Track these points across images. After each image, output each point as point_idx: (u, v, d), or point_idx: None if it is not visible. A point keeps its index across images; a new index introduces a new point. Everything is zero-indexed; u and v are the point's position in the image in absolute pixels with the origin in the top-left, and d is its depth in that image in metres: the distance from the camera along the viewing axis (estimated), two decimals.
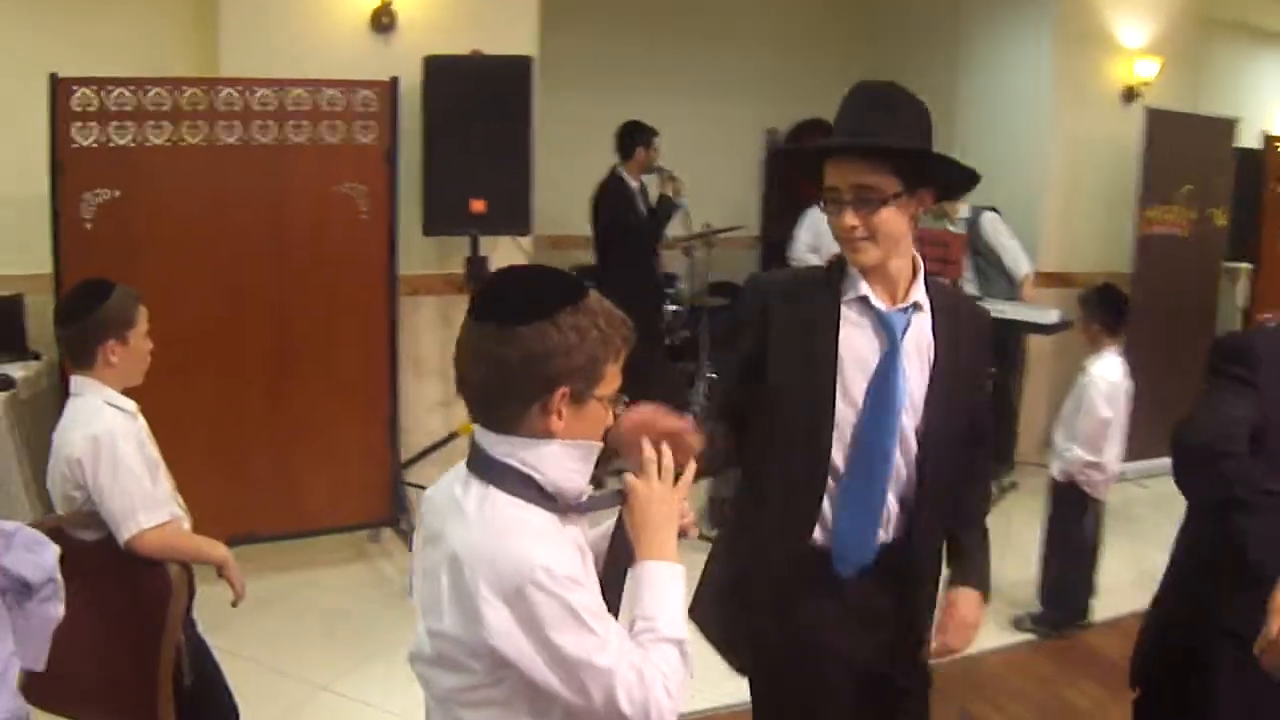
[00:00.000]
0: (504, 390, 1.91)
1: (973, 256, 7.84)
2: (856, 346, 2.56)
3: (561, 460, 1.95)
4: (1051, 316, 7.16)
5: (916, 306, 2.58)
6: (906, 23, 10.12)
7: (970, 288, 7.88)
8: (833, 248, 7.96)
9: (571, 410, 1.93)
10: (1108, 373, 5.27)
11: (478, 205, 5.88)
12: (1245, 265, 8.99)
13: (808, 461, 2.60)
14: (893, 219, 2.48)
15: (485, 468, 1.95)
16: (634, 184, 7.55)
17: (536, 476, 1.93)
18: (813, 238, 8.80)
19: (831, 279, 2.62)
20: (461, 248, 6.27)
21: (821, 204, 2.56)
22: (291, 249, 5.65)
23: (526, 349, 1.86)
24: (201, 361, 5.50)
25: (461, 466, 2.02)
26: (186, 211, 5.49)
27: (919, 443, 2.62)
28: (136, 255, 5.35)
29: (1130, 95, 8.62)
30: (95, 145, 5.31)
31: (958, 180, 2.67)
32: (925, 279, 2.63)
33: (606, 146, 7.61)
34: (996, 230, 7.87)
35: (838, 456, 2.60)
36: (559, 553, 1.86)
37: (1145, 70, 8.55)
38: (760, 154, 10.44)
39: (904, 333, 2.56)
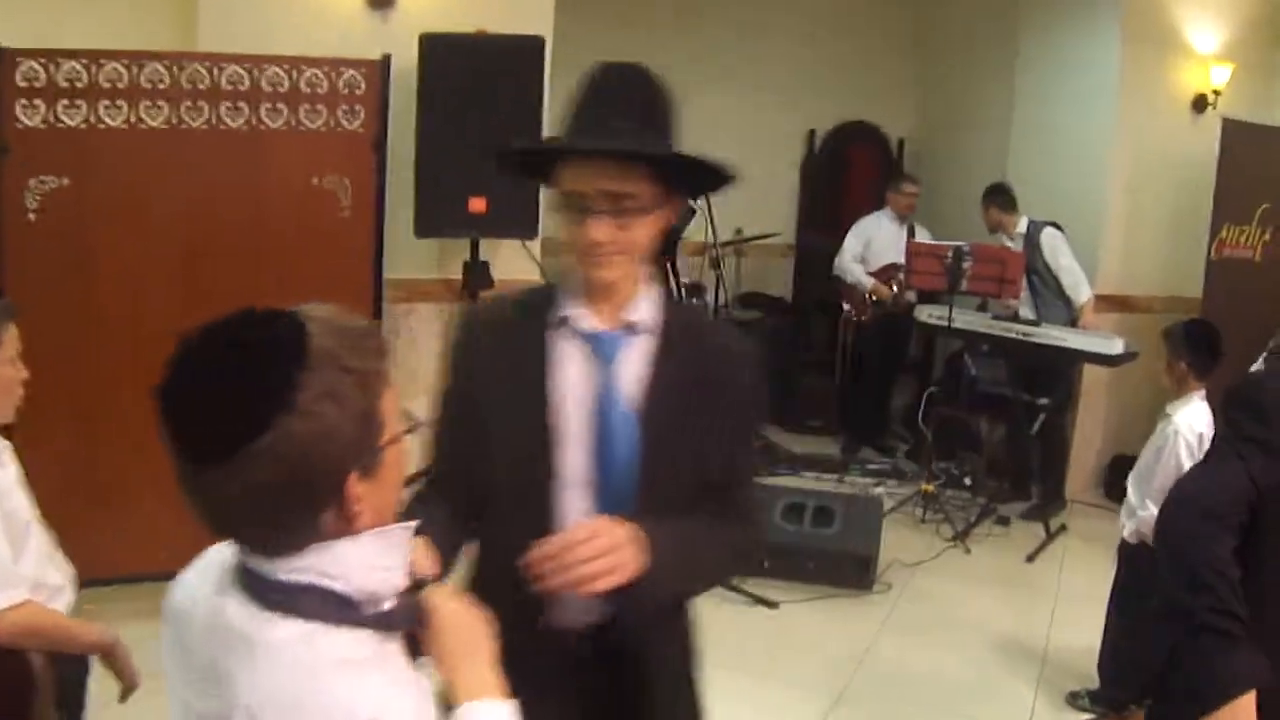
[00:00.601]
0: (276, 523, 1.39)
1: (1028, 276, 7.17)
2: (572, 380, 2.15)
3: (367, 557, 1.46)
4: (1116, 346, 6.48)
5: (633, 327, 2.16)
6: (960, 19, 9.47)
7: (1025, 310, 7.24)
8: (881, 259, 7.18)
9: (368, 487, 1.43)
10: (1194, 421, 4.58)
11: (478, 204, 5.23)
12: None
13: (530, 528, 2.08)
14: (649, 231, 2.11)
15: (268, 593, 1.42)
16: None
17: (340, 588, 1.43)
18: (861, 247, 8.27)
19: (541, 300, 2.21)
20: (463, 249, 5.63)
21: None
22: (263, 249, 5.02)
23: (279, 464, 1.32)
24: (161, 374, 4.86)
25: (219, 570, 1.50)
26: (144, 203, 4.89)
27: (639, 496, 2.15)
28: (87, 252, 4.82)
29: (1201, 104, 7.94)
30: (42, 126, 4.73)
31: (712, 186, 2.31)
32: (666, 297, 2.23)
33: None
34: (1056, 249, 7.24)
35: (572, 517, 2.12)
36: (391, 692, 1.41)
37: (1218, 77, 7.86)
38: (799, 158, 9.79)
39: (617, 358, 2.16)
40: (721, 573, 2.32)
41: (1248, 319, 7.33)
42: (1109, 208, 7.78)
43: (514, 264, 5.80)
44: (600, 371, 2.13)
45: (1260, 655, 2.33)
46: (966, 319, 7.07)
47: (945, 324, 6.93)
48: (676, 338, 2.19)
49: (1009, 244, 7.32)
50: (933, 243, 7.44)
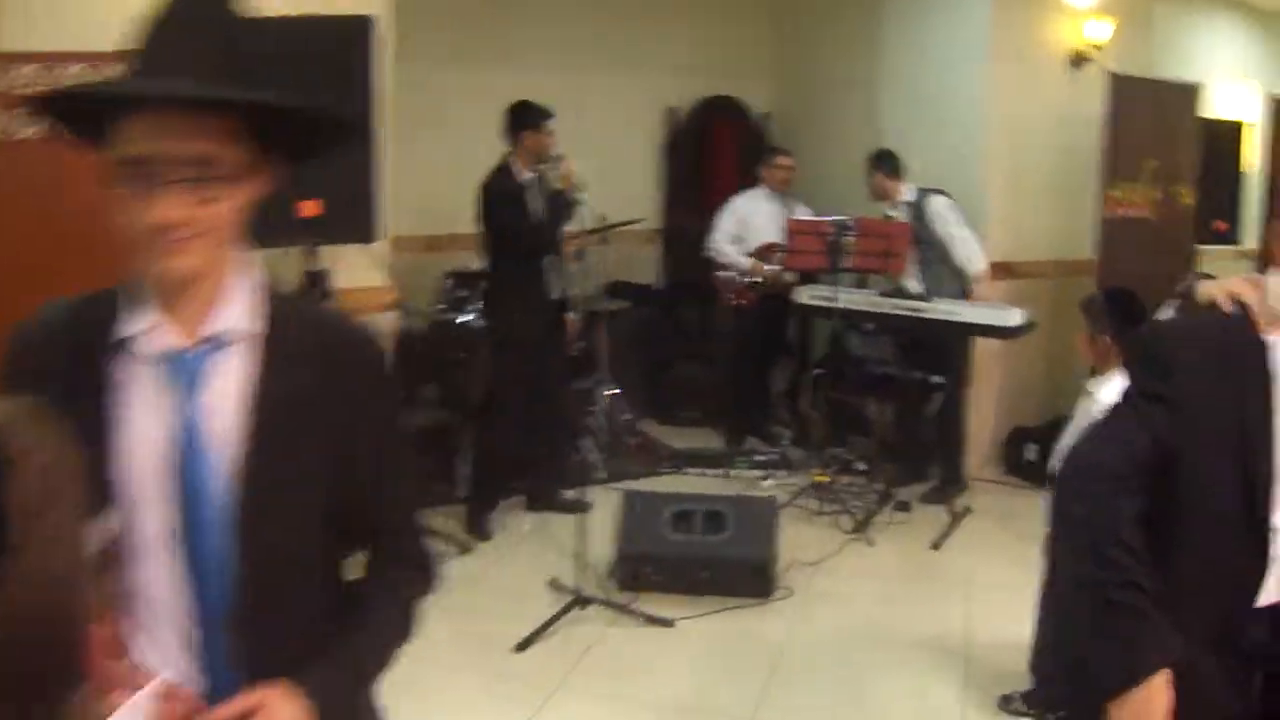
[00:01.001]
0: None
1: (916, 247, 6.79)
2: (143, 419, 1.65)
3: None
4: (1014, 317, 6.14)
5: (220, 340, 1.67)
6: None
7: (913, 284, 6.85)
8: (760, 237, 6.46)
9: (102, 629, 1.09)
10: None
11: (310, 207, 4.62)
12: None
13: (109, 605, 1.65)
14: (237, 205, 1.64)
15: None
16: (527, 176, 6.27)
17: None
18: (736, 227, 7.83)
19: (99, 313, 1.69)
20: (300, 258, 5.02)
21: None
22: (61, 272, 4.36)
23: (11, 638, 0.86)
24: None
25: None
26: None
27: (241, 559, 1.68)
28: None
29: (1079, 60, 7.64)
30: None
31: (321, 145, 1.78)
32: (269, 292, 1.75)
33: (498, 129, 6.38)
34: (946, 218, 6.88)
35: (157, 592, 1.67)
36: None
37: (1097, 32, 7.55)
38: (659, 137, 9.30)
39: (202, 383, 1.67)
40: (403, 645, 1.84)
41: (1144, 278, 7.08)
42: (990, 171, 7.43)
43: (359, 272, 5.27)
44: (180, 404, 1.64)
45: (1171, 629, 2.18)
46: (852, 297, 6.64)
47: (829, 304, 6.51)
48: (285, 345, 1.71)
49: (893, 214, 6.95)
50: (813, 219, 7.02)
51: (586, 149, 7.06)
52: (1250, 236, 8.28)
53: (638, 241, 8.82)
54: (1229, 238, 8.14)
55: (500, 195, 6.14)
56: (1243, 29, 9.62)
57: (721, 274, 7.90)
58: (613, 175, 8.32)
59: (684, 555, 5.51)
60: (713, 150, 9.32)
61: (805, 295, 6.86)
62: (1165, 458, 2.22)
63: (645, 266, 9.19)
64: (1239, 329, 2.26)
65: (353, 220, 4.83)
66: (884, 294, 6.69)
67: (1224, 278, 2.42)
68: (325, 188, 4.59)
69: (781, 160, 7.91)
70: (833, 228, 6.42)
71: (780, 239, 7.49)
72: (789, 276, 7.61)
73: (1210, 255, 7.86)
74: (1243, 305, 2.27)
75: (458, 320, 6.99)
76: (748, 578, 5.51)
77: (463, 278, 7.18)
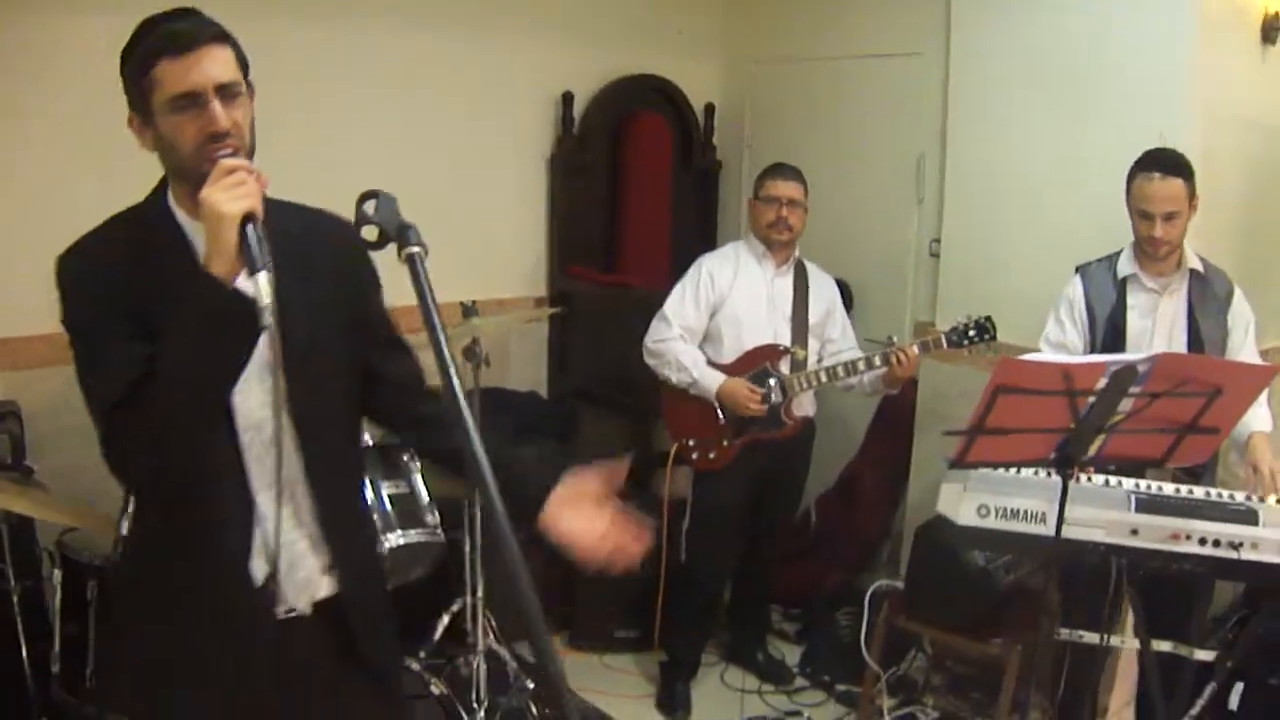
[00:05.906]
0: None
1: None
2: None
3: None
4: None
5: None
6: None
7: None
8: (746, 336, 4.52)
9: None
10: None
11: None
12: None
13: None
14: None
15: None
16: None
17: None
18: (704, 311, 4.59)
19: None
20: None
21: None
22: None
23: None
24: None
25: None
26: None
27: None
28: None
29: (1272, 31, 4.66)
30: None
31: None
32: None
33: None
34: (1244, 318, 3.79)
35: None
36: None
37: None
38: (549, 139, 5.61)
39: None
40: None
41: None
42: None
43: None
44: None
45: None
46: (1109, 518, 3.03)
47: (1040, 531, 3.03)
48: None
49: (1163, 293, 3.70)
50: (1060, 361, 2.95)
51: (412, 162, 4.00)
52: None
53: (511, 320, 5.33)
54: None
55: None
56: None
57: (670, 397, 4.61)
58: (465, 210, 5.11)
59: None
60: (630, 163, 5.73)
61: (967, 507, 3.15)
62: None
63: (524, 363, 5.63)
64: None
65: None
66: (1160, 485, 3.20)
67: None
68: None
69: (779, 188, 4.51)
70: (1110, 375, 2.68)
71: (775, 333, 4.52)
72: (800, 411, 4.57)
73: None
74: None
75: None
76: None
77: None
